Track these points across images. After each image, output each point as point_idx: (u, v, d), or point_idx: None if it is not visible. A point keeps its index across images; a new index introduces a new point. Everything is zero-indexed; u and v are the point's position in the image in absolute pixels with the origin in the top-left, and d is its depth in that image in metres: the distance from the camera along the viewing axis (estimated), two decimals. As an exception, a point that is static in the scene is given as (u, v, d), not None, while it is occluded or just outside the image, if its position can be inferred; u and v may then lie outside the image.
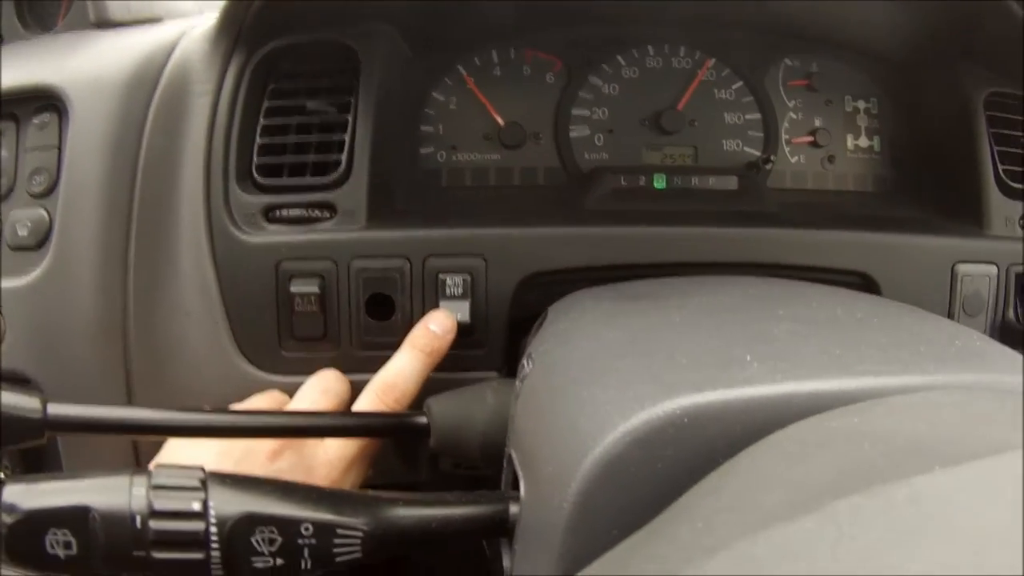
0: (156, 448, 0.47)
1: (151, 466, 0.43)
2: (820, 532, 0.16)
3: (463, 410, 0.44)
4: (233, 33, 0.52)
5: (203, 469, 0.32)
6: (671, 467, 0.24)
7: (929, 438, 0.19)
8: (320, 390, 0.48)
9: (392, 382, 0.46)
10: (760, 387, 0.25)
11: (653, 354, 0.29)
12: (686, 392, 0.25)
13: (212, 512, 0.31)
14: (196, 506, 0.31)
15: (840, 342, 0.29)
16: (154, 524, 0.30)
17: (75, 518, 0.30)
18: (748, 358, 0.27)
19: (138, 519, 0.30)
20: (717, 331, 0.32)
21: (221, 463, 0.42)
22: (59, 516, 0.30)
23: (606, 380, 0.28)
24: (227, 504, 0.31)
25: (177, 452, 0.44)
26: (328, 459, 0.44)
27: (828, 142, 0.60)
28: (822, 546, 0.16)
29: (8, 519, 0.30)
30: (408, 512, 0.34)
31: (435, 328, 0.48)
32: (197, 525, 0.30)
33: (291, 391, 0.50)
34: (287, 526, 0.32)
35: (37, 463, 0.54)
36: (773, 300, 0.38)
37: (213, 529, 0.31)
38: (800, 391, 0.24)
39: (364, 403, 0.46)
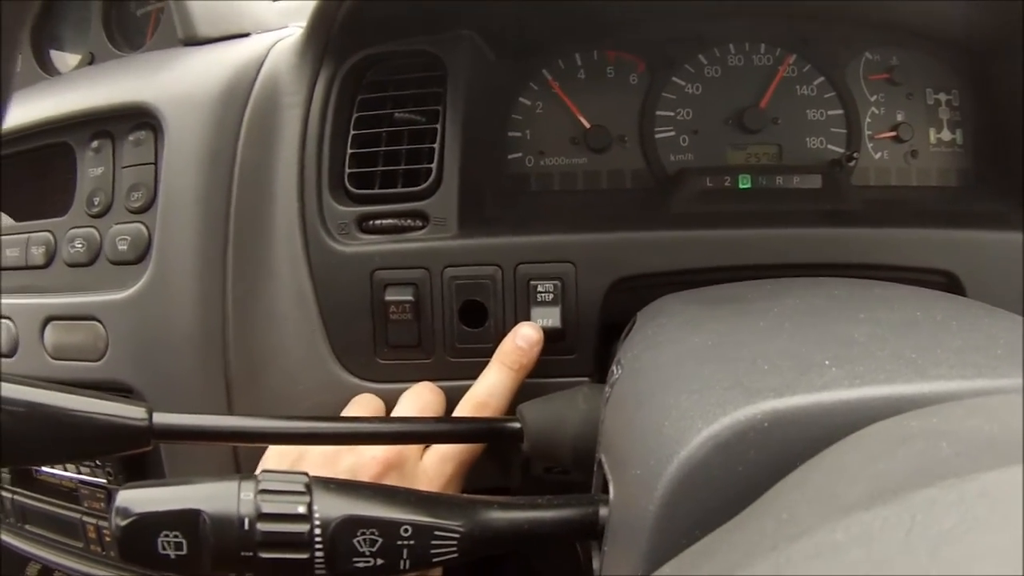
0: (256, 454, 0.48)
1: (257, 472, 0.45)
2: (895, 521, 0.17)
3: (555, 415, 0.45)
4: (321, 44, 0.52)
5: (307, 474, 0.34)
6: (753, 470, 0.25)
7: (1003, 438, 0.20)
8: (418, 408, 0.49)
9: (484, 400, 0.47)
10: (837, 392, 0.25)
11: (736, 360, 0.30)
12: (767, 397, 0.26)
13: (316, 515, 0.32)
14: (301, 509, 0.32)
15: (916, 345, 0.29)
16: (261, 526, 0.31)
17: (186, 521, 0.31)
18: (827, 363, 0.27)
19: (246, 521, 0.31)
20: (798, 335, 0.32)
21: (332, 464, 0.44)
22: (171, 519, 0.32)
23: (691, 385, 0.29)
24: (330, 507, 0.33)
25: (278, 465, 0.45)
26: (428, 478, 0.45)
27: (911, 136, 0.59)
28: (896, 533, 0.16)
29: (121, 521, 0.32)
30: (502, 514, 0.35)
31: (522, 343, 0.48)
32: (302, 527, 0.32)
33: (386, 398, 0.51)
34: (387, 528, 0.33)
35: (140, 469, 0.56)
36: (854, 303, 0.38)
37: (317, 531, 0.32)
38: (875, 395, 0.25)
39: None
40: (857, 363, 0.27)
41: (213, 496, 0.32)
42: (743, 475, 0.25)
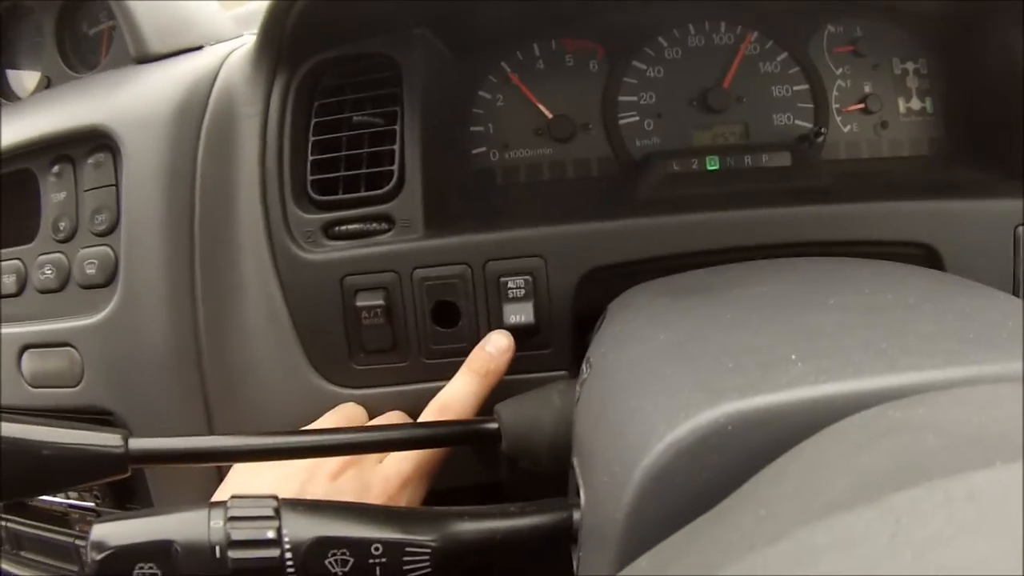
0: (239, 469, 0.48)
1: (227, 497, 0.45)
2: (879, 524, 0.16)
3: (531, 414, 0.44)
4: (274, 51, 0.52)
5: (276, 498, 0.34)
6: (719, 474, 0.24)
7: (990, 433, 0.19)
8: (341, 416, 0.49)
9: (447, 403, 0.47)
10: (802, 389, 0.25)
11: (699, 358, 0.29)
12: (730, 399, 0.25)
13: (286, 538, 0.32)
14: (271, 534, 0.32)
15: (887, 333, 0.28)
16: (232, 553, 0.32)
17: (159, 552, 0.31)
18: (793, 357, 0.27)
19: (217, 549, 0.31)
20: (764, 328, 0.32)
21: (287, 483, 0.44)
22: (145, 551, 0.32)
23: (653, 387, 0.29)
24: (300, 530, 0.33)
25: (243, 476, 0.45)
26: (384, 476, 0.45)
27: (879, 108, 0.58)
28: (880, 538, 0.16)
29: (97, 556, 0.32)
30: (474, 526, 0.35)
31: (491, 349, 0.48)
32: (273, 552, 0.32)
33: (364, 403, 0.51)
34: (358, 547, 0.33)
35: (126, 490, 0.56)
36: (824, 286, 0.38)
37: (288, 555, 0.32)
38: (842, 391, 0.24)
39: None
40: (823, 357, 0.27)
41: (184, 526, 0.32)
42: (708, 479, 0.24)
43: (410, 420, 0.49)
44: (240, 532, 0.32)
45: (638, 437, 0.26)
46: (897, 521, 0.16)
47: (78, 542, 0.59)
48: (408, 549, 0.33)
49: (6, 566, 0.65)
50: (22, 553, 0.62)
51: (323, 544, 0.33)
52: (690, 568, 0.20)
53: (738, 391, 0.25)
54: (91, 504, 0.56)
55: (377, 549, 0.33)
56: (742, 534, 0.19)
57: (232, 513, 0.32)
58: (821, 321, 0.31)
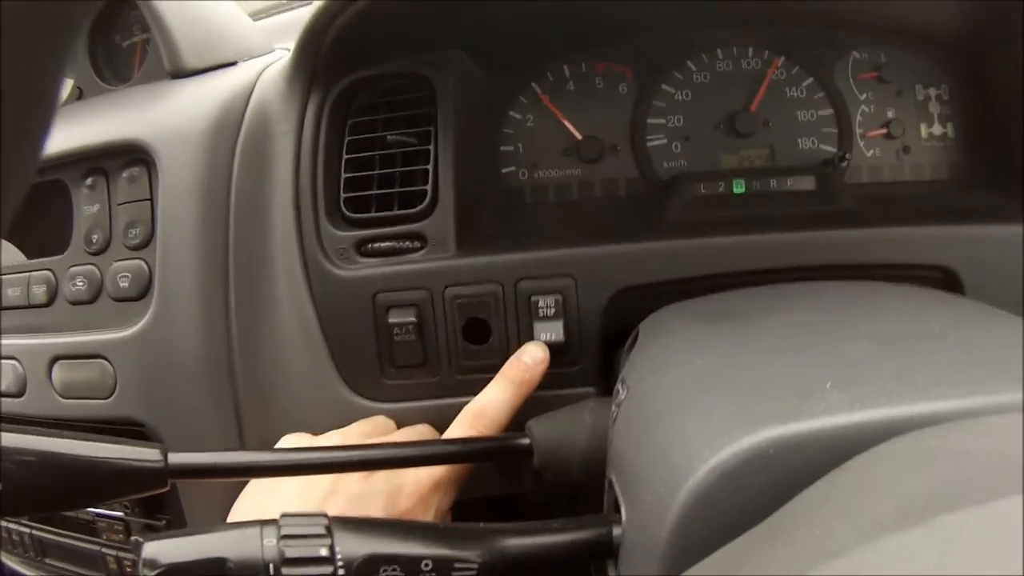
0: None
1: (257, 504, 0.46)
2: (928, 544, 0.17)
3: (563, 430, 0.45)
4: (308, 70, 0.52)
5: (326, 516, 0.34)
6: (759, 495, 0.26)
7: (1017, 460, 0.21)
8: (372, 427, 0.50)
9: (481, 409, 0.47)
10: (839, 416, 0.26)
11: (739, 385, 0.31)
12: (770, 424, 0.26)
13: (339, 556, 0.33)
14: (324, 552, 0.33)
15: (916, 363, 0.30)
16: (287, 571, 0.32)
17: (213, 569, 0.32)
18: (828, 385, 0.28)
19: (271, 567, 0.32)
20: (799, 356, 0.33)
21: (318, 482, 0.44)
22: (198, 568, 0.32)
23: (696, 412, 0.30)
24: (352, 547, 0.33)
25: (266, 481, 0.46)
26: (417, 477, 0.46)
27: (902, 133, 0.59)
28: (930, 557, 0.17)
29: (151, 573, 0.32)
30: (518, 541, 0.36)
31: (527, 360, 0.49)
32: (326, 569, 0.33)
33: (394, 417, 0.51)
34: (408, 563, 0.34)
35: (156, 501, 0.56)
36: (853, 314, 0.39)
37: (341, 571, 0.33)
38: (877, 418, 0.26)
39: (456, 430, 0.47)
40: (858, 385, 0.28)
41: (237, 543, 0.33)
42: (750, 500, 0.26)
43: (437, 433, 0.50)
44: (294, 550, 0.32)
45: (682, 459, 0.28)
46: (945, 541, 0.17)
47: (104, 550, 0.59)
48: (456, 565, 0.34)
49: (27, 572, 0.65)
50: (46, 560, 0.63)
51: (374, 561, 0.33)
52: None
53: (778, 417, 0.27)
54: (120, 514, 0.57)
55: (427, 565, 0.34)
56: (798, 550, 0.21)
57: (285, 531, 0.33)
58: (852, 350, 0.32)
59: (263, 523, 0.33)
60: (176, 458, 0.38)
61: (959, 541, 0.17)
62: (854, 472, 0.24)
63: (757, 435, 0.26)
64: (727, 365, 0.34)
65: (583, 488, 0.47)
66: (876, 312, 0.39)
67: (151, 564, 0.32)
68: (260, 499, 0.45)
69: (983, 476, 0.20)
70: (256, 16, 0.73)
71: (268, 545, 0.32)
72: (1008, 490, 0.18)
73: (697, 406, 0.31)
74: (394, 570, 0.34)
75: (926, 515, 0.18)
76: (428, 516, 0.46)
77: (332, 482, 0.44)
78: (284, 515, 0.34)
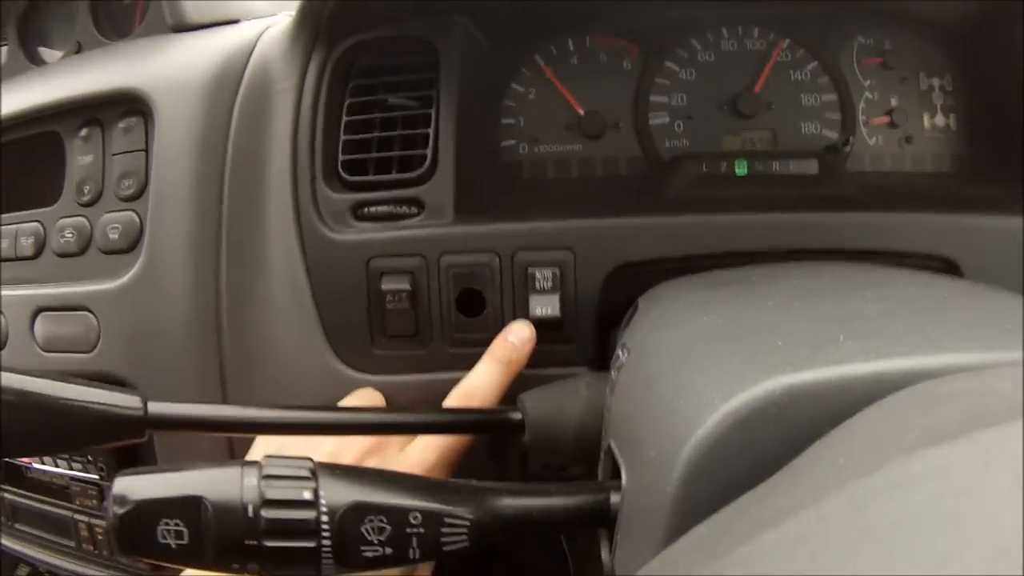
0: (249, 445, 0.47)
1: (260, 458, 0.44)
2: (969, 454, 0.17)
3: (557, 404, 0.44)
4: (312, 29, 0.52)
5: (311, 460, 0.32)
6: (772, 445, 0.24)
7: None
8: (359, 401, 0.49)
9: (470, 391, 0.47)
10: (855, 365, 0.25)
11: (748, 336, 0.30)
12: (783, 372, 0.25)
13: (323, 501, 0.31)
14: (307, 495, 0.31)
15: (928, 321, 0.29)
16: (266, 513, 0.30)
17: (187, 508, 0.30)
18: (841, 337, 0.27)
19: (250, 508, 0.30)
20: (808, 313, 0.32)
21: None
22: (171, 506, 0.30)
23: (704, 363, 0.29)
24: (337, 493, 0.31)
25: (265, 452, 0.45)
26: (407, 463, 0.45)
27: (905, 122, 0.59)
28: (974, 466, 0.16)
29: (119, 510, 0.30)
30: (512, 502, 0.34)
31: (513, 339, 0.48)
32: (308, 514, 0.31)
33: (383, 390, 0.50)
34: (396, 515, 0.32)
35: (133, 463, 0.55)
36: (859, 283, 0.38)
37: (324, 518, 0.31)
38: (894, 368, 0.25)
39: None
40: (872, 337, 0.27)
41: (215, 482, 0.31)
42: (762, 451, 0.24)
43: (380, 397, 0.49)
44: (275, 491, 0.31)
45: (691, 409, 0.26)
46: (986, 451, 0.16)
47: (76, 516, 0.58)
48: (447, 520, 0.32)
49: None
50: (17, 526, 0.61)
51: (360, 509, 0.31)
52: (773, 508, 0.20)
53: (791, 365, 0.25)
54: (95, 477, 0.55)
55: (416, 518, 0.32)
56: (827, 477, 0.19)
57: (268, 471, 0.31)
58: (862, 309, 0.31)
59: (244, 463, 0.32)
60: (156, 407, 0.37)
61: (1001, 451, 0.16)
62: (871, 415, 0.23)
63: (771, 382, 0.25)
64: (735, 320, 0.33)
65: (571, 475, 0.46)
66: (881, 281, 0.38)
67: (121, 500, 0.30)
68: None
69: (1008, 408, 0.19)
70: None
71: (248, 485, 0.30)
72: None
73: (705, 357, 0.29)
74: (380, 520, 0.32)
75: (958, 434, 0.17)
76: None
77: (330, 453, 0.43)
78: (268, 456, 0.33)
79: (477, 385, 0.47)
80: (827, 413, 0.24)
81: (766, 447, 0.25)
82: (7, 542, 0.61)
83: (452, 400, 0.47)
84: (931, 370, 0.25)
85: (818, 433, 0.24)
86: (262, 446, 0.46)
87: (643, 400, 0.32)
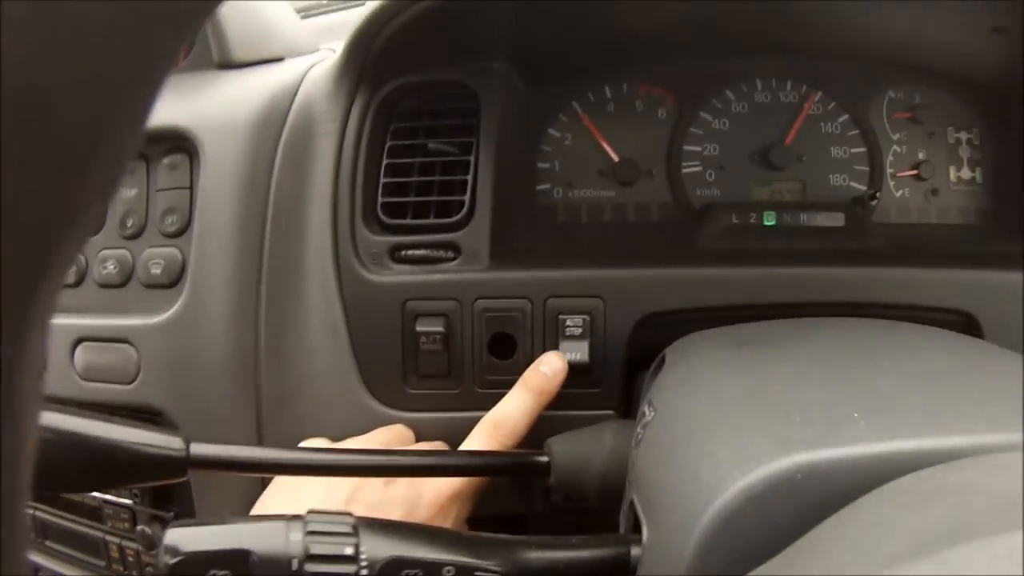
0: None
1: (277, 503, 0.46)
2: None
3: (582, 451, 0.45)
4: (356, 72, 0.53)
5: (352, 515, 0.34)
6: (785, 519, 0.26)
7: None
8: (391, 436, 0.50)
9: (501, 420, 0.48)
10: (868, 445, 0.27)
11: (768, 409, 0.31)
12: (800, 450, 0.27)
13: (363, 556, 0.33)
14: (349, 551, 0.33)
15: (941, 397, 0.31)
16: (310, 567, 0.32)
17: (235, 561, 0.32)
18: (856, 415, 0.29)
19: (295, 562, 0.32)
20: (827, 384, 0.34)
21: (338, 488, 0.44)
22: (220, 558, 0.32)
23: (725, 434, 0.30)
24: (376, 548, 0.33)
25: (294, 480, 0.46)
26: (436, 488, 0.46)
27: (931, 175, 0.60)
28: None
29: (170, 560, 0.32)
30: (539, 555, 0.36)
31: (545, 370, 0.49)
32: (349, 568, 0.33)
33: (413, 427, 0.52)
34: (431, 568, 0.34)
35: (166, 492, 0.56)
36: (877, 349, 0.40)
37: (364, 572, 0.33)
38: (903, 449, 0.27)
39: (475, 440, 0.48)
40: (885, 416, 0.29)
41: (262, 536, 0.33)
42: (775, 524, 0.26)
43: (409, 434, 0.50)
44: (319, 547, 0.33)
45: (710, 480, 0.28)
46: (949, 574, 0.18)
47: (108, 537, 0.59)
48: (477, 573, 0.34)
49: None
50: (47, 542, 0.62)
51: (398, 563, 0.33)
52: None
53: (807, 443, 0.27)
54: (128, 502, 0.56)
55: (449, 571, 0.34)
56: None
57: (311, 528, 0.33)
58: (879, 382, 0.33)
59: (289, 518, 0.34)
60: (198, 448, 0.39)
61: (963, 573, 0.18)
62: (867, 507, 0.24)
63: (788, 459, 0.26)
64: (756, 389, 0.34)
65: (593, 513, 0.47)
66: (900, 348, 0.40)
67: (172, 551, 0.32)
68: (282, 501, 0.45)
69: (988, 512, 0.21)
70: (301, 13, 0.73)
71: (294, 540, 0.33)
72: (1011, 525, 0.19)
73: (727, 428, 0.31)
74: (416, 574, 0.34)
75: (933, 549, 0.19)
76: (446, 526, 0.46)
77: (353, 489, 0.44)
78: (311, 511, 0.34)
79: (508, 414, 0.48)
80: (840, 489, 0.26)
81: (781, 520, 0.26)
82: (37, 558, 0.62)
83: (483, 426, 0.48)
84: (938, 452, 0.26)
85: (831, 508, 0.25)
86: (282, 479, 0.47)
87: (666, 463, 0.33)
